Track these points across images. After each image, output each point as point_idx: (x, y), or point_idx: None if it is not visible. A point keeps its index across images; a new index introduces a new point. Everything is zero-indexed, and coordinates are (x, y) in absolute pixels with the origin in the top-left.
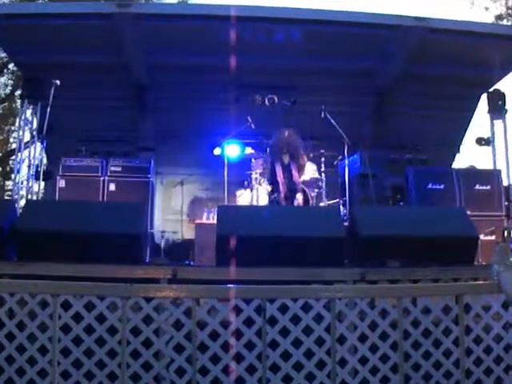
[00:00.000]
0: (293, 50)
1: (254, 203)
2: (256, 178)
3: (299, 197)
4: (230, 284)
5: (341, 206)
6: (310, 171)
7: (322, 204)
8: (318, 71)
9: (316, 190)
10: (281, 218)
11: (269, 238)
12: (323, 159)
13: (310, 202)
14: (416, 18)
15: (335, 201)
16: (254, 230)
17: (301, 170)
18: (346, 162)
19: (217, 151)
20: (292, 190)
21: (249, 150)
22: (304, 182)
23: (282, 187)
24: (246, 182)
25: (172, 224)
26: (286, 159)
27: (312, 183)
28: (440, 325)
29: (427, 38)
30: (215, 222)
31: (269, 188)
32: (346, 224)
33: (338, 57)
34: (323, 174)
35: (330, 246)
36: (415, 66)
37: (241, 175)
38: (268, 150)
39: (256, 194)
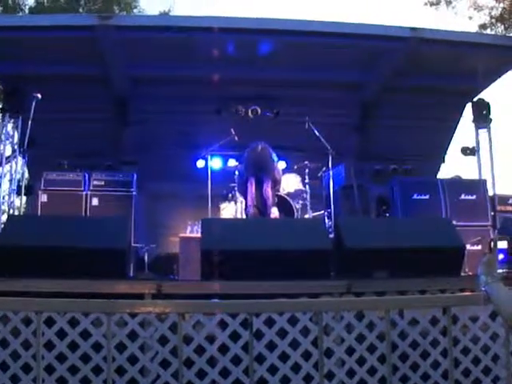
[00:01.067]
0: (277, 61)
1: (238, 216)
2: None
3: (274, 211)
4: (216, 298)
5: (326, 218)
6: (295, 183)
7: (306, 216)
8: (303, 83)
9: (301, 202)
10: (265, 231)
11: (254, 251)
12: (307, 170)
13: (295, 214)
14: (412, 29)
15: (320, 212)
16: (239, 243)
17: (277, 184)
18: (331, 173)
19: (200, 164)
20: (263, 205)
21: (232, 162)
22: (289, 194)
23: (250, 202)
24: (229, 195)
25: (156, 238)
26: (259, 174)
27: (296, 195)
28: (428, 336)
29: (417, 48)
30: (199, 235)
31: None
32: (331, 236)
33: (323, 69)
34: (307, 186)
35: (316, 259)
36: (401, 77)
37: (224, 188)
38: (242, 165)
39: (240, 207)
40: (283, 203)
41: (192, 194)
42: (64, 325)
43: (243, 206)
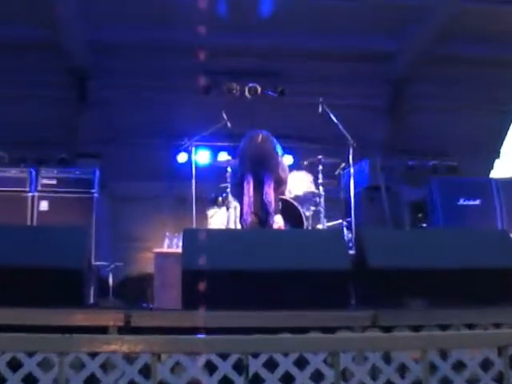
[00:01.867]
0: (282, 23)
1: (231, 226)
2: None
3: (278, 220)
4: (201, 333)
5: (344, 229)
6: (304, 184)
7: (319, 226)
8: (316, 52)
9: (312, 208)
10: (266, 246)
11: (251, 272)
12: (321, 168)
13: (305, 223)
14: None
15: (337, 222)
16: (232, 261)
17: (281, 184)
18: (352, 171)
19: (182, 158)
20: (263, 211)
21: (224, 156)
22: (296, 198)
23: (247, 208)
24: (219, 199)
25: (124, 254)
26: (258, 172)
27: (307, 199)
28: None
29: (460, 6)
30: (180, 250)
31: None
32: (351, 252)
33: (342, 34)
34: (321, 188)
35: (332, 282)
36: (443, 45)
37: (213, 189)
38: (237, 159)
39: (234, 215)
40: (289, 210)
41: (171, 196)
42: (2, 367)
43: (237, 213)
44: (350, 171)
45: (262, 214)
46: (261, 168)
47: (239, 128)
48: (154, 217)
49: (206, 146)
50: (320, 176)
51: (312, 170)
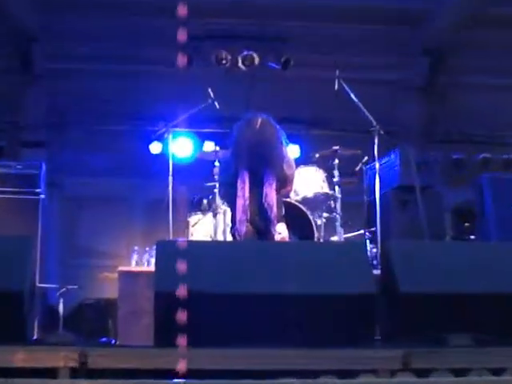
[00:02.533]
0: None
1: (220, 237)
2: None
3: (281, 230)
4: (179, 377)
5: (367, 242)
6: (316, 183)
7: (334, 238)
8: (331, 11)
9: (325, 215)
10: (266, 264)
11: (245, 297)
12: (337, 162)
13: (315, 234)
14: None
15: (358, 233)
16: (220, 283)
17: (286, 183)
18: (377, 166)
19: (155, 148)
20: (262, 218)
21: (210, 147)
22: (305, 202)
23: (241, 214)
24: (205, 202)
25: (79, 273)
26: (256, 167)
27: (319, 203)
28: None
29: None
30: (152, 269)
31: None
32: (376, 273)
33: None
34: (337, 188)
35: (351, 312)
36: (497, 2)
37: (197, 190)
38: (229, 151)
39: (223, 222)
40: (296, 216)
41: (141, 198)
42: None
43: (228, 221)
44: (374, 167)
45: (261, 221)
46: (259, 162)
47: (231, 110)
48: (119, 225)
49: (188, 134)
50: (336, 173)
51: (325, 164)
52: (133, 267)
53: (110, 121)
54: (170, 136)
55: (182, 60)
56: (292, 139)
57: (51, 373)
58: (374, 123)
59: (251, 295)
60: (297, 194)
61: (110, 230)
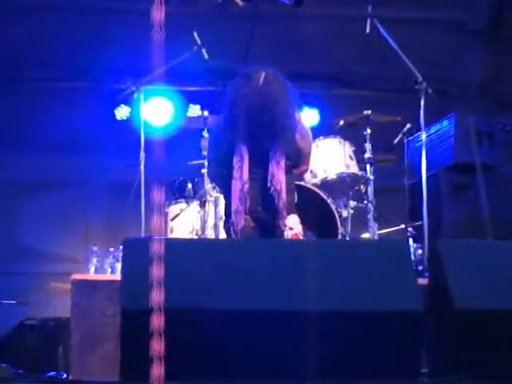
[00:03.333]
0: None
1: (209, 234)
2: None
3: (293, 224)
4: None
5: (410, 241)
6: (339, 160)
7: (366, 236)
8: None
9: (352, 204)
10: (271, 271)
11: (244, 316)
12: (369, 132)
13: (339, 230)
14: None
15: (397, 228)
16: (209, 297)
17: (299, 161)
18: (424, 138)
19: (121, 113)
20: (267, 208)
21: (195, 111)
22: (325, 186)
23: (238, 203)
24: (189, 186)
25: (18, 282)
26: (259, 140)
27: (343, 187)
28: None
29: None
30: (118, 277)
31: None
32: (422, 282)
33: None
34: (369, 168)
35: (389, 336)
36: None
37: (178, 170)
38: (222, 117)
39: (213, 214)
40: (312, 206)
41: (102, 182)
42: None
43: (221, 212)
44: (420, 139)
45: (265, 213)
46: (263, 132)
47: (224, 61)
48: (74, 218)
49: (166, 94)
50: (367, 147)
51: (353, 135)
52: (91, 275)
53: (59, 75)
54: (142, 97)
55: None
56: (308, 101)
57: None
58: (420, 79)
59: (252, 313)
60: (314, 176)
61: (62, 225)
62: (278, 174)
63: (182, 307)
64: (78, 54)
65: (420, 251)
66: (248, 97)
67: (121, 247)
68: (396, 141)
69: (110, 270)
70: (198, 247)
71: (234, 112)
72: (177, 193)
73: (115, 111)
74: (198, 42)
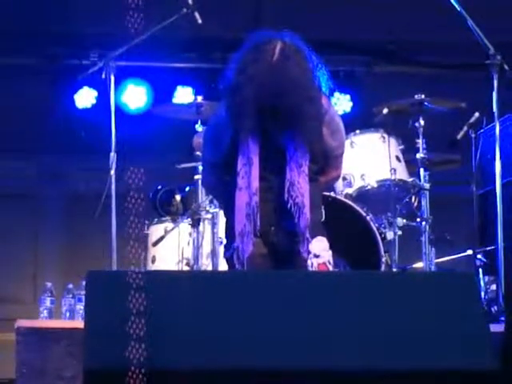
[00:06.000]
0: None
1: (204, 264)
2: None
3: (320, 250)
4: None
5: (481, 272)
6: (383, 162)
7: (419, 265)
8: None
9: (401, 222)
10: (291, 317)
11: (255, 377)
12: (423, 124)
13: (382, 259)
14: None
15: (462, 255)
16: (205, 354)
17: (328, 164)
18: (498, 131)
19: (84, 99)
20: (285, 228)
21: (185, 96)
22: (362, 198)
23: (245, 221)
24: (177, 199)
25: None
26: (274, 132)
27: (388, 200)
28: None
29: None
30: (79, 325)
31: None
32: (496, 329)
33: None
34: (423, 173)
35: None
36: None
37: (162, 176)
38: (223, 105)
39: (210, 236)
40: (346, 224)
41: (59, 193)
42: None
43: (221, 234)
44: (492, 132)
45: (281, 235)
46: (279, 125)
47: (226, 28)
48: (18, 243)
49: (143, 72)
50: (420, 143)
51: (401, 128)
52: (43, 321)
53: (6, 49)
54: (113, 77)
55: None
56: (339, 83)
57: None
58: (492, 51)
59: (265, 376)
60: (348, 185)
61: (3, 253)
62: (300, 182)
63: (169, 368)
64: (22, 18)
65: (493, 286)
66: (258, 76)
67: (84, 283)
68: (460, 136)
69: (68, 314)
70: (189, 283)
71: (240, 97)
72: (160, 208)
73: (75, 96)
74: (189, 1)
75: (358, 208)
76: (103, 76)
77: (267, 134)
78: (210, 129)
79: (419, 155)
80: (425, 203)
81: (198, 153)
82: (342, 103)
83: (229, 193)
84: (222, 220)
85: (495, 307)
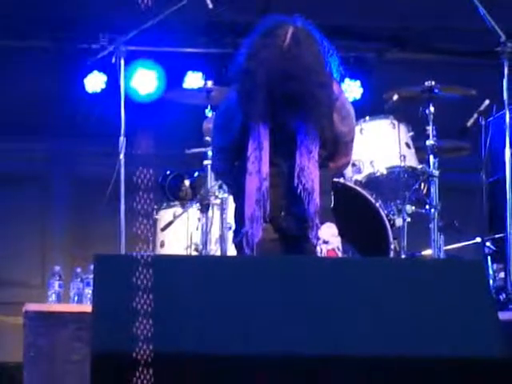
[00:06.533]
0: None
1: (212, 249)
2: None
3: (329, 236)
4: None
5: (489, 260)
6: (392, 149)
7: (427, 253)
8: None
9: (410, 209)
10: (301, 302)
11: (265, 363)
12: (433, 111)
13: (391, 246)
14: None
15: (471, 242)
16: (214, 338)
17: (338, 150)
18: (508, 118)
19: (94, 83)
20: (295, 213)
21: (195, 81)
22: (372, 184)
23: (254, 206)
24: (186, 184)
25: None
26: (285, 118)
27: (397, 187)
28: None
29: None
30: (87, 309)
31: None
32: (506, 317)
33: None
34: (433, 160)
35: None
36: None
37: (171, 161)
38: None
39: (219, 221)
40: (355, 211)
41: (67, 177)
42: None
43: (230, 220)
44: (502, 120)
45: (291, 220)
46: (290, 110)
47: (236, 12)
48: (26, 225)
49: (153, 57)
50: (430, 130)
51: (411, 115)
52: (51, 305)
53: (10, 33)
54: (122, 61)
55: None
56: (350, 69)
57: None
58: (503, 38)
59: (275, 362)
60: (358, 171)
61: (10, 236)
62: (309, 168)
63: (177, 352)
64: (32, 2)
65: (502, 274)
66: (269, 61)
67: (92, 267)
68: (470, 123)
69: (76, 298)
70: (198, 268)
71: (250, 83)
72: (169, 193)
73: (85, 81)
74: None
75: (367, 194)
76: (113, 60)
77: (278, 119)
78: (220, 114)
79: (429, 142)
80: (434, 190)
81: (207, 138)
82: (352, 90)
83: (239, 178)
84: (230, 205)
85: (504, 295)
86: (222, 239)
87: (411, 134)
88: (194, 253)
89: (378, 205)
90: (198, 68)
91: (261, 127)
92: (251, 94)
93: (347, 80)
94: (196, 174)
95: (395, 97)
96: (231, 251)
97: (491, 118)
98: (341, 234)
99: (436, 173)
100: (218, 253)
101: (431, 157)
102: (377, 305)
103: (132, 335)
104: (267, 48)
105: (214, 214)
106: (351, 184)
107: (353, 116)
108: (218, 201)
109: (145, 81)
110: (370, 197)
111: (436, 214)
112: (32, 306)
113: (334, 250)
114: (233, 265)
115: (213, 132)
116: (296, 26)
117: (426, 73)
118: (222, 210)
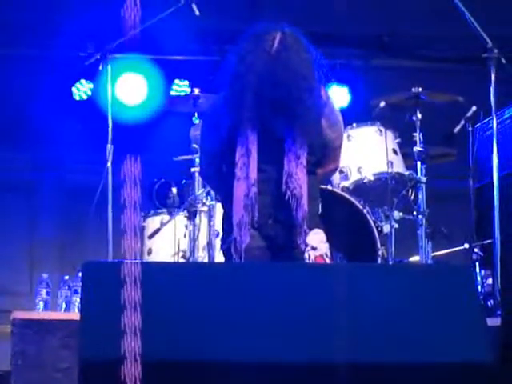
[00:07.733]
0: None
1: (200, 256)
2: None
3: (317, 242)
4: None
5: (477, 266)
6: (379, 155)
7: (414, 259)
8: None
9: (397, 216)
10: (288, 309)
11: (252, 370)
12: (420, 117)
13: (379, 252)
14: None
15: (459, 248)
16: (202, 345)
17: (326, 156)
18: (495, 125)
19: (81, 90)
20: (282, 220)
21: (181, 88)
22: (360, 190)
23: (242, 212)
24: (173, 191)
25: None
26: (273, 124)
27: (384, 193)
28: None
29: None
30: (76, 316)
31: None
32: (493, 322)
33: None
34: (420, 166)
35: None
36: None
37: (159, 168)
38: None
39: (206, 228)
40: (343, 217)
41: (54, 185)
42: None
43: (218, 226)
44: (489, 126)
45: (279, 227)
46: (278, 116)
47: (223, 19)
48: (14, 233)
49: (140, 65)
50: (417, 137)
51: (398, 122)
52: (39, 313)
53: (3, 40)
54: (109, 69)
55: None
56: (337, 75)
57: None
58: (490, 44)
59: (261, 369)
60: (345, 178)
61: (0, 245)
62: (297, 174)
63: (165, 359)
64: (19, 9)
65: (490, 280)
66: (257, 67)
67: (80, 274)
68: (457, 129)
69: (64, 305)
70: (185, 274)
71: (238, 88)
72: (157, 200)
73: (73, 89)
74: None
75: (354, 201)
76: (100, 68)
77: (265, 125)
78: (208, 119)
79: (416, 148)
80: (421, 196)
81: (194, 145)
82: (339, 96)
83: (227, 183)
84: (218, 212)
85: (491, 301)
86: (209, 246)
87: (398, 140)
88: (182, 260)
89: (365, 211)
90: (185, 76)
91: (249, 132)
92: (239, 98)
93: (334, 86)
94: (183, 181)
95: (382, 103)
96: (219, 258)
97: (478, 125)
98: (329, 240)
99: (423, 179)
100: (206, 260)
101: (418, 163)
102: (365, 310)
103: (120, 343)
104: (255, 53)
105: (202, 221)
106: (339, 191)
107: (341, 122)
108: (206, 208)
109: (132, 88)
110: (357, 203)
111: (424, 220)
112: (20, 314)
113: (322, 256)
114: (220, 271)
115: (201, 136)
116: (284, 32)
117: (412, 79)
118: (210, 216)
